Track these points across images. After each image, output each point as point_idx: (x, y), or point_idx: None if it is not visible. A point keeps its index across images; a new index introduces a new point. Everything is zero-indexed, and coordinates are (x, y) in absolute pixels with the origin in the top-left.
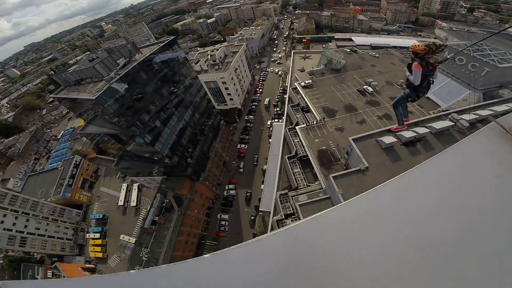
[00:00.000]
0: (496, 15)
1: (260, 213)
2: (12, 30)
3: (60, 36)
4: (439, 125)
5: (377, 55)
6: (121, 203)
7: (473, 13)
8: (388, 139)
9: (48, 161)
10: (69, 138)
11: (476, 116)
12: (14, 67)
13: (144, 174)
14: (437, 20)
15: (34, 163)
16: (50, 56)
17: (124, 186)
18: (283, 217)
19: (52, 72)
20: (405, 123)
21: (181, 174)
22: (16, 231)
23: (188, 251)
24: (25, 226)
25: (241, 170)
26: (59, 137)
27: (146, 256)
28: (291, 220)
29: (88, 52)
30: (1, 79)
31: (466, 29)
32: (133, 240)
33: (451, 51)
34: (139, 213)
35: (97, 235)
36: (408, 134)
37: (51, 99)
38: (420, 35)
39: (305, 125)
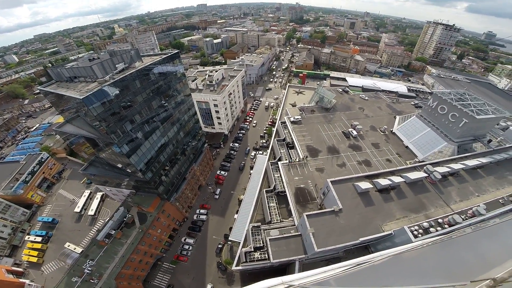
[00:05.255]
0: (482, 63)
1: (229, 242)
2: (29, 18)
3: (72, 31)
4: (413, 175)
5: (366, 98)
6: (77, 209)
7: (462, 60)
8: (364, 185)
9: (11, 152)
10: (43, 133)
11: (449, 170)
12: (16, 54)
13: (112, 184)
14: (427, 66)
15: None
16: (54, 49)
17: (86, 193)
18: (252, 250)
19: (49, 64)
20: None
21: (152, 191)
22: None
23: (141, 270)
24: None
25: (217, 196)
26: (32, 130)
27: (90, 269)
28: (259, 254)
29: (92, 52)
30: None
31: (452, 76)
32: (79, 250)
33: (435, 99)
34: (95, 223)
35: (39, 239)
36: (384, 181)
37: (38, 90)
38: (409, 80)
39: (287, 161)
